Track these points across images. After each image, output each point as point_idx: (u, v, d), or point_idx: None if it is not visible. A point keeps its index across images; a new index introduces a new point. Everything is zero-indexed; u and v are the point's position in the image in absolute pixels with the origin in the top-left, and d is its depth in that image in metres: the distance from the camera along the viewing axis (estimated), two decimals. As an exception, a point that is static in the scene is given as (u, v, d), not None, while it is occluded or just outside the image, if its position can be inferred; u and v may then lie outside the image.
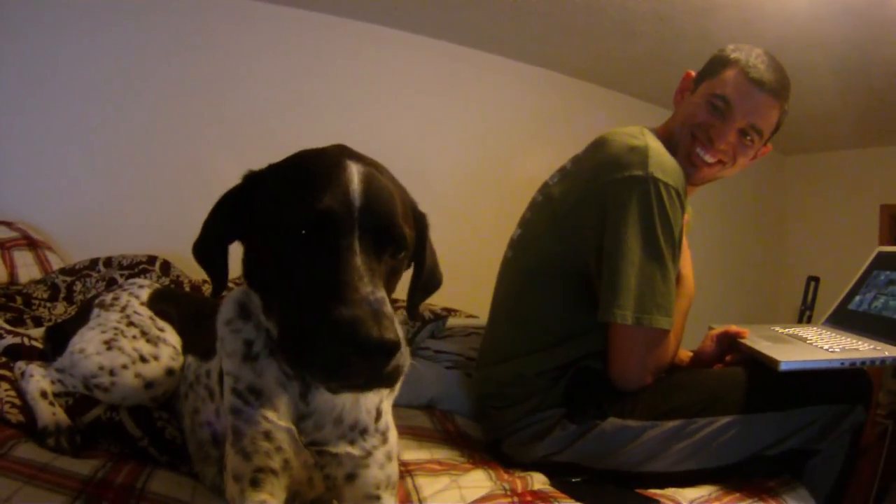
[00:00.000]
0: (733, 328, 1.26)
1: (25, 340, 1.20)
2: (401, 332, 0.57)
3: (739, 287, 3.65)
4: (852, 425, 1.07)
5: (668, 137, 1.25)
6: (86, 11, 2.20)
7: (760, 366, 1.10)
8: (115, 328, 1.06)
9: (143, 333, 1.08)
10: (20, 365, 1.07)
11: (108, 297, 1.16)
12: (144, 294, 1.19)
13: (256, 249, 0.70)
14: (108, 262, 1.96)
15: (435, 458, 1.15)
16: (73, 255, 2.09)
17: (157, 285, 1.28)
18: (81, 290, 1.82)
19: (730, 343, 1.27)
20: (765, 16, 2.11)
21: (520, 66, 2.92)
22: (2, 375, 1.05)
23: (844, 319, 1.35)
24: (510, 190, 2.09)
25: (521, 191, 1.58)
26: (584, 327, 1.18)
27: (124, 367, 1.01)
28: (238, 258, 0.74)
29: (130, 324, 1.09)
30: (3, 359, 1.12)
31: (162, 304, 1.18)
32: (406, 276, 0.74)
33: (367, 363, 0.54)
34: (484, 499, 0.96)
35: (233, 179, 0.71)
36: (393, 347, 0.54)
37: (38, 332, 1.28)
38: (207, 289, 1.81)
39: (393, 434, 0.80)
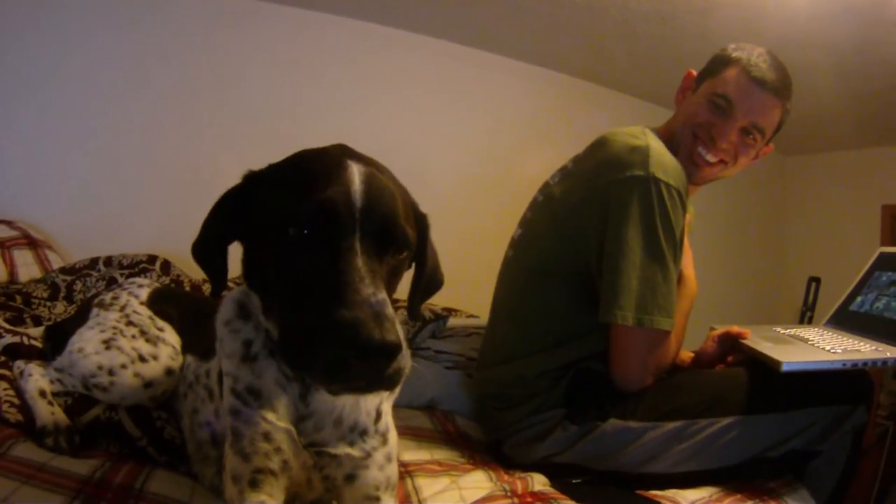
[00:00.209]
0: (735, 329, 1.26)
1: (25, 339, 1.20)
2: (402, 334, 0.56)
3: (741, 288, 3.64)
4: (854, 426, 1.07)
5: (669, 137, 1.24)
6: (86, 11, 2.20)
7: (762, 367, 1.10)
8: (114, 328, 1.06)
9: (143, 333, 1.07)
10: (19, 364, 1.07)
11: (108, 297, 1.16)
12: (144, 293, 1.19)
13: (256, 249, 0.69)
14: (109, 261, 1.96)
15: (435, 459, 1.15)
16: (73, 254, 2.09)
17: (156, 285, 1.28)
18: (81, 289, 1.82)
19: (731, 344, 1.27)
20: (765, 15, 2.11)
21: (520, 65, 2.92)
22: (1, 374, 1.04)
23: (846, 320, 1.35)
24: (511, 190, 2.09)
25: (521, 191, 1.57)
26: (585, 328, 1.18)
27: (123, 366, 1.01)
28: (238, 258, 0.73)
29: (129, 323, 1.08)
30: (3, 358, 1.12)
31: (161, 303, 1.18)
32: (407, 277, 0.73)
33: (368, 365, 0.54)
34: (484, 500, 0.95)
35: (233, 179, 0.70)
36: (394, 350, 0.54)
37: (37, 332, 1.28)
38: (208, 288, 1.80)
39: (393, 435, 0.80)
